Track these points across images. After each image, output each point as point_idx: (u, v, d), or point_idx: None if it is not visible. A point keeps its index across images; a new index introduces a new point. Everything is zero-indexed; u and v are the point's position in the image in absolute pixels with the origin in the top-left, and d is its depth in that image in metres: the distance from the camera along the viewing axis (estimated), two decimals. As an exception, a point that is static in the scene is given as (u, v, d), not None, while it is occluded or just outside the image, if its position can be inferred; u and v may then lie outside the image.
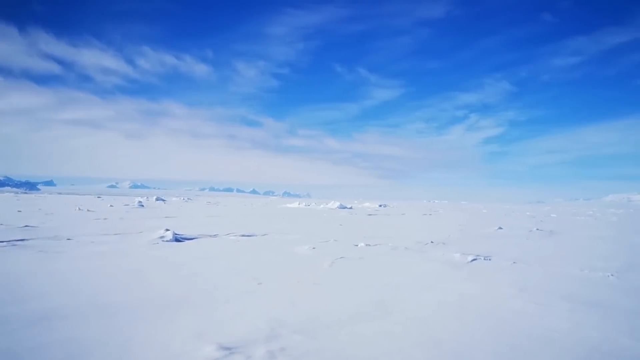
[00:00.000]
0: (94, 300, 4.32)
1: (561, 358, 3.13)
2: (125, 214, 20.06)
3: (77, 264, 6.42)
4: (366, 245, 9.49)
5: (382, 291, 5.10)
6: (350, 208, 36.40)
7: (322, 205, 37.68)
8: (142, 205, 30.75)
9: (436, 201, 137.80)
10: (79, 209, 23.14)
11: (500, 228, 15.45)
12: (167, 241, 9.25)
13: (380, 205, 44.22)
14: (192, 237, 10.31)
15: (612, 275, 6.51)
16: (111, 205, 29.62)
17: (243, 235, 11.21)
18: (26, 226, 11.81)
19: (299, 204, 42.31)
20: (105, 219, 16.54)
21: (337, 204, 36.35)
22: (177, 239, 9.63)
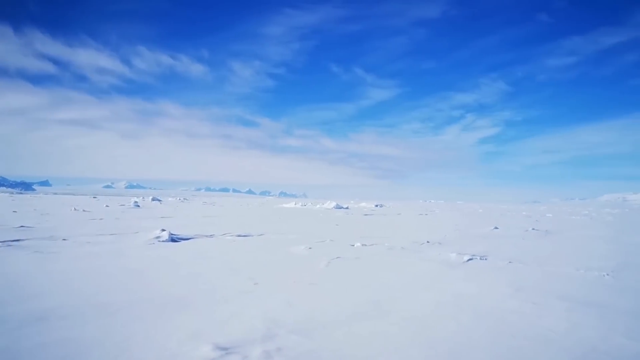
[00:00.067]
0: (91, 301, 4.30)
1: (558, 358, 3.14)
2: (121, 214, 20.00)
3: (74, 264, 6.39)
4: (362, 245, 9.50)
5: (379, 291, 5.10)
6: (347, 208, 36.44)
7: (318, 205, 37.71)
8: (138, 206, 30.67)
9: (432, 201, 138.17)
10: (75, 209, 23.04)
11: (496, 228, 15.51)
12: (163, 241, 9.23)
13: (376, 205, 44.31)
14: (188, 237, 10.29)
15: (608, 274, 6.54)
16: (107, 206, 29.50)
17: (239, 236, 11.19)
18: (21, 226, 11.74)
19: (295, 204, 42.32)
20: (101, 219, 16.47)
21: (334, 204, 36.40)
22: (173, 239, 9.60)
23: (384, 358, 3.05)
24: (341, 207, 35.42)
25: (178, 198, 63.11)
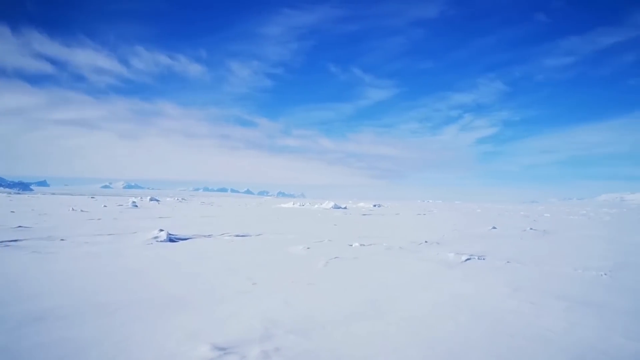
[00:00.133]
0: (89, 301, 4.30)
1: (557, 357, 3.15)
2: (119, 215, 19.96)
3: (72, 264, 6.38)
4: (360, 245, 9.50)
5: (377, 291, 5.11)
6: (345, 208, 36.45)
7: (316, 205, 37.71)
8: (136, 206, 30.63)
9: (430, 201, 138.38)
10: (73, 209, 23.00)
11: (494, 228, 15.53)
12: (161, 241, 9.21)
13: (374, 205, 44.32)
14: (186, 237, 10.28)
15: (605, 274, 6.56)
16: (105, 206, 29.44)
17: (237, 236, 11.18)
18: (19, 227, 11.71)
19: (293, 204, 42.31)
20: (99, 219, 16.44)
21: (332, 204, 36.39)
22: (171, 239, 9.59)
23: (382, 358, 3.06)
24: (339, 207, 35.43)
25: (176, 198, 63.00)
